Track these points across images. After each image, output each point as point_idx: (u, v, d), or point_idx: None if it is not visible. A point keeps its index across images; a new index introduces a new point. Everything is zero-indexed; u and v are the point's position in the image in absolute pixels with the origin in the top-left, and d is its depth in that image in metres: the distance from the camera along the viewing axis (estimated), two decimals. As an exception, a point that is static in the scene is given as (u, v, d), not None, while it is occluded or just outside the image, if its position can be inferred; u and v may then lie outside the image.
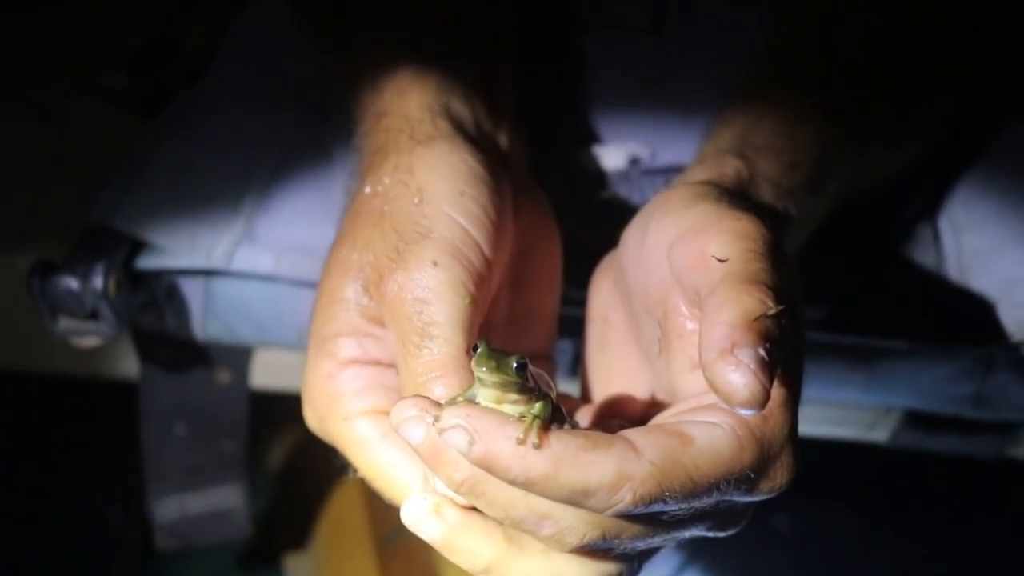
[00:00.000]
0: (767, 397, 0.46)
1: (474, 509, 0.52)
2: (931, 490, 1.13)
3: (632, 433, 0.48)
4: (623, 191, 0.86)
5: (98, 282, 0.78)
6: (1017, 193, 0.88)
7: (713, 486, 0.48)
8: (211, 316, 0.85)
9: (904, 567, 1.08)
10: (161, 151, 0.88)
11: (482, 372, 0.48)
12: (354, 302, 0.61)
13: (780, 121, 0.72)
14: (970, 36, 0.84)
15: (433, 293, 0.56)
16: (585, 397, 0.68)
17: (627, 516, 0.48)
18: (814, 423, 0.91)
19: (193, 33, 1.05)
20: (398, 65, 0.72)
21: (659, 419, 0.54)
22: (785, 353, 0.49)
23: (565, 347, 0.81)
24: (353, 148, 0.73)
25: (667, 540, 0.52)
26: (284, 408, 0.98)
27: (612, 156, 0.88)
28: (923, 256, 0.85)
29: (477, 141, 0.67)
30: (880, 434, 0.92)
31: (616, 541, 0.50)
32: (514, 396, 0.49)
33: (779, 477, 0.50)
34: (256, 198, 0.85)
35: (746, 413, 0.48)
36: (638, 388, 0.63)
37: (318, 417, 0.61)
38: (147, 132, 0.91)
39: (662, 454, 0.46)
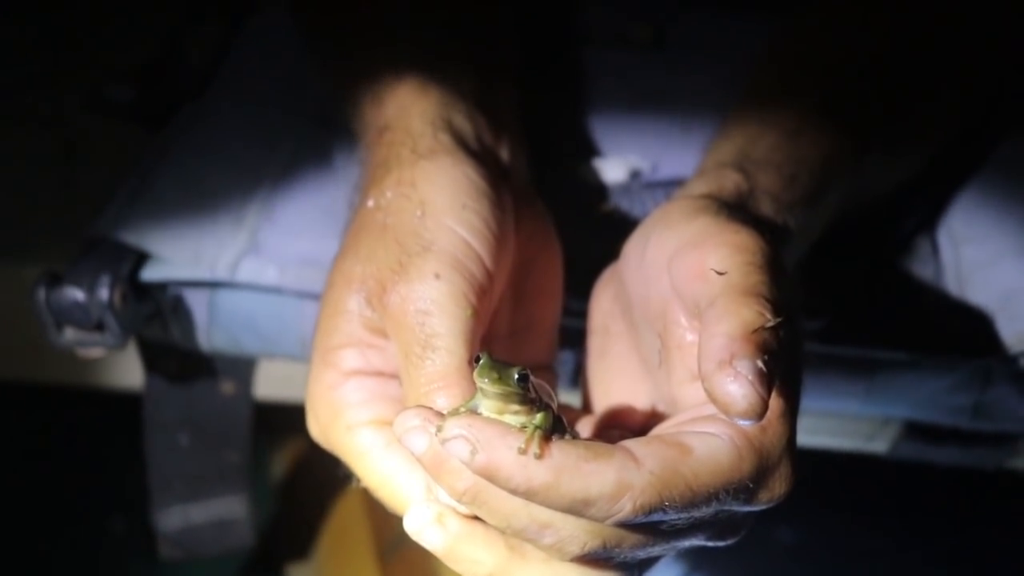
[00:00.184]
0: (765, 408, 0.47)
1: (476, 518, 0.52)
2: (930, 501, 1.13)
3: (632, 443, 0.48)
4: (624, 204, 0.87)
5: (103, 293, 0.78)
6: (1015, 206, 0.88)
7: (712, 496, 0.48)
8: (215, 327, 0.85)
9: (904, 578, 1.09)
10: (166, 163, 0.89)
11: (484, 383, 0.48)
12: (357, 314, 0.61)
13: (779, 135, 0.72)
14: (969, 50, 0.85)
15: (435, 305, 0.57)
16: (586, 408, 0.68)
17: (627, 525, 0.49)
18: (814, 434, 0.91)
19: (198, 47, 1.06)
20: (400, 79, 0.72)
21: (659, 430, 0.55)
22: (783, 365, 0.49)
23: (566, 358, 0.81)
24: (356, 161, 0.73)
25: (667, 549, 0.53)
26: (287, 419, 0.99)
27: (613, 169, 0.88)
28: (922, 268, 0.86)
29: (479, 154, 0.67)
30: (879, 445, 0.92)
31: (616, 550, 0.50)
32: (516, 407, 0.49)
33: (777, 487, 0.51)
34: (260, 210, 0.86)
35: (744, 424, 0.49)
36: (638, 399, 0.64)
37: (321, 427, 0.62)
38: (152, 144, 0.92)
39: (662, 464, 0.47)
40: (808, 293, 0.60)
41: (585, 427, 0.63)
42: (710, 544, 0.54)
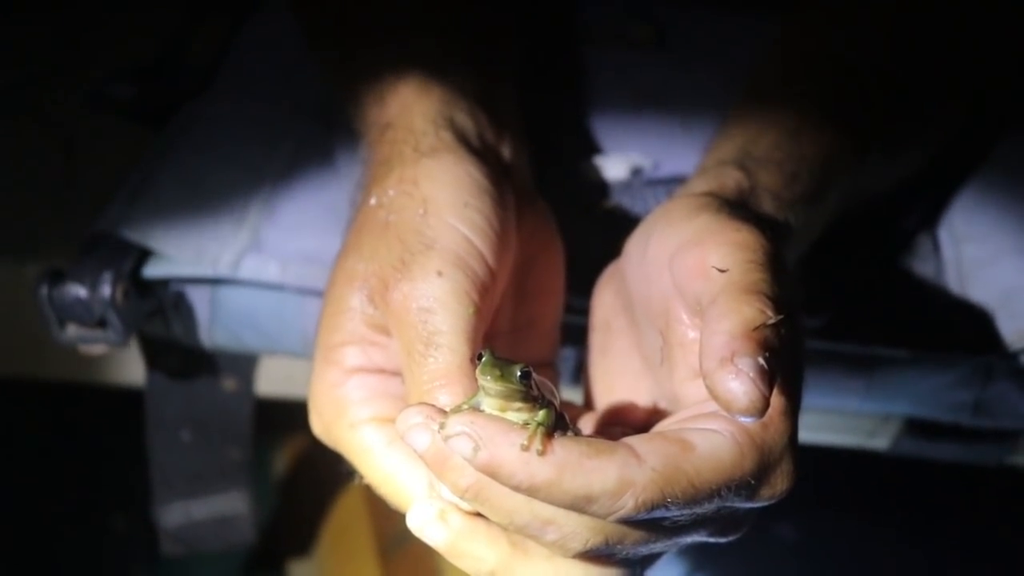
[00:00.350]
0: (766, 405, 0.47)
1: (479, 515, 0.52)
2: (931, 497, 1.13)
3: (634, 440, 0.49)
4: (625, 201, 0.87)
5: (106, 290, 0.79)
6: (1016, 204, 0.88)
7: (714, 492, 0.48)
8: (217, 324, 0.85)
9: (905, 574, 1.09)
10: (168, 161, 0.89)
11: (487, 380, 0.49)
12: (359, 311, 0.61)
13: (780, 133, 0.73)
14: (970, 48, 0.85)
15: (437, 303, 0.57)
16: (588, 405, 0.68)
17: (629, 522, 0.49)
18: (814, 431, 0.92)
19: (199, 45, 1.06)
20: (402, 78, 0.73)
21: (661, 427, 0.55)
22: (785, 362, 0.50)
23: (568, 355, 0.82)
24: (358, 159, 0.74)
25: (669, 546, 0.53)
26: (288, 416, 1.00)
27: (614, 167, 0.89)
28: (923, 266, 0.86)
29: (480, 153, 0.68)
30: (880, 442, 0.92)
31: (619, 546, 0.50)
32: (518, 404, 0.49)
33: (779, 484, 0.51)
34: (262, 207, 0.86)
35: (746, 421, 0.49)
36: (640, 396, 0.64)
37: (324, 424, 0.62)
38: (154, 142, 0.92)
39: (664, 461, 0.47)
40: (809, 290, 0.60)
41: (587, 424, 0.64)
42: (712, 540, 0.54)
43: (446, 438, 0.47)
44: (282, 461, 1.46)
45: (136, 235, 0.82)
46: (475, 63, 0.78)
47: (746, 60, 0.86)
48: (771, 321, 0.49)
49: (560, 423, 0.50)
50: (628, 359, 0.66)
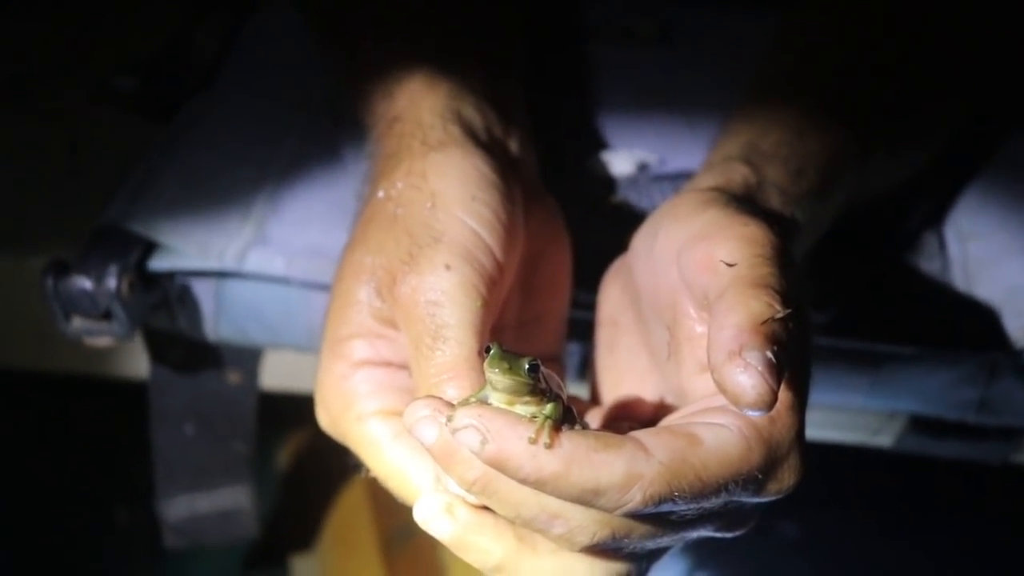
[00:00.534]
0: (774, 399, 0.47)
1: (485, 508, 0.52)
2: (935, 495, 1.13)
3: (642, 434, 0.48)
4: (632, 197, 0.87)
5: (111, 283, 0.79)
6: (1022, 202, 0.88)
7: (721, 486, 0.48)
8: (222, 317, 0.85)
9: (908, 572, 1.09)
10: (174, 154, 0.89)
11: (495, 373, 0.48)
12: (367, 304, 0.61)
13: (787, 129, 0.72)
14: (975, 46, 0.85)
15: (445, 296, 0.57)
16: (594, 400, 0.68)
17: (636, 516, 0.49)
18: (819, 427, 0.91)
19: (204, 39, 1.06)
20: (410, 72, 0.73)
21: (668, 421, 0.55)
22: (793, 356, 0.49)
23: (574, 350, 0.82)
24: (364, 152, 0.74)
25: (675, 540, 0.53)
26: (292, 409, 1.00)
27: (621, 162, 0.89)
28: (928, 263, 0.86)
29: (488, 146, 0.68)
30: (884, 439, 0.92)
31: (625, 541, 0.50)
32: (526, 397, 0.49)
33: (786, 478, 0.51)
34: (268, 200, 0.86)
35: (754, 415, 0.49)
36: (647, 391, 0.64)
37: (331, 418, 0.62)
38: (160, 136, 0.92)
39: (671, 454, 0.47)
40: (814, 286, 0.60)
41: (594, 419, 0.64)
42: (718, 535, 0.54)
43: (454, 431, 0.46)
44: (285, 455, 1.45)
45: (142, 228, 0.82)
46: (481, 59, 0.77)
47: (751, 56, 0.86)
48: (779, 315, 0.49)
49: (568, 417, 0.50)
50: (635, 354, 0.66)
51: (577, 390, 0.73)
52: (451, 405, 0.49)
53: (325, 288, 0.80)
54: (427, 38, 0.78)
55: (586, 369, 0.79)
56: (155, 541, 1.03)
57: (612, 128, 0.93)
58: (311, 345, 0.85)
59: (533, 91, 0.83)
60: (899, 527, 1.12)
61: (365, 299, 0.61)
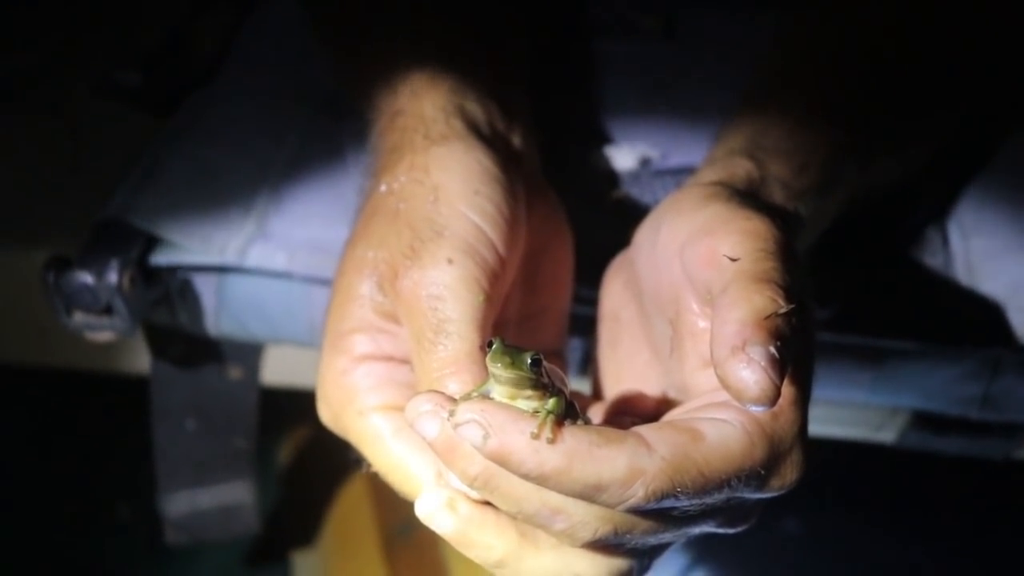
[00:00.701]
0: (778, 394, 0.47)
1: (487, 503, 0.52)
2: (938, 491, 1.13)
3: (644, 429, 0.48)
4: (634, 191, 0.87)
5: (113, 277, 0.79)
6: (1025, 197, 0.88)
7: (724, 482, 0.48)
8: (224, 312, 0.85)
9: (910, 568, 1.09)
10: (175, 149, 0.89)
11: (497, 368, 0.48)
12: (369, 299, 0.61)
13: (790, 123, 0.72)
14: (979, 41, 0.85)
15: (448, 290, 0.57)
16: (596, 395, 0.68)
17: (639, 511, 0.48)
18: (821, 423, 0.91)
19: (207, 33, 1.06)
20: (412, 66, 0.72)
21: (671, 416, 0.55)
22: (796, 352, 0.49)
23: (575, 345, 0.81)
24: (366, 147, 0.73)
25: (678, 536, 0.52)
26: (293, 405, 1.00)
27: (623, 157, 0.88)
28: (932, 258, 0.86)
29: (491, 141, 0.67)
30: (887, 435, 0.92)
31: (628, 536, 0.50)
32: (528, 392, 0.49)
33: (789, 474, 0.51)
34: (269, 195, 0.86)
35: (757, 410, 0.49)
36: (649, 386, 0.64)
37: (332, 412, 0.62)
38: (162, 130, 0.92)
39: (674, 450, 0.47)
40: (817, 282, 0.60)
41: (596, 414, 0.63)
42: (720, 531, 0.54)
43: (456, 426, 0.46)
44: (286, 451, 1.46)
45: (143, 222, 0.82)
46: (485, 52, 0.77)
47: (754, 51, 0.85)
48: (782, 310, 0.49)
49: (570, 411, 0.49)
50: (637, 349, 0.66)
51: (579, 385, 0.72)
52: (453, 400, 0.49)
53: (326, 283, 0.80)
54: (430, 33, 0.77)
55: (588, 364, 0.79)
56: (156, 537, 1.03)
57: (614, 123, 0.93)
58: (312, 340, 0.85)
59: (535, 85, 0.83)
60: (901, 523, 1.12)
61: (367, 293, 0.61)
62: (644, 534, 0.51)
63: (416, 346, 0.57)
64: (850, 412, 0.90)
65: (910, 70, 0.80)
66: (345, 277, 0.63)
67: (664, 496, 0.47)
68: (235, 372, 0.95)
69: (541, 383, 0.49)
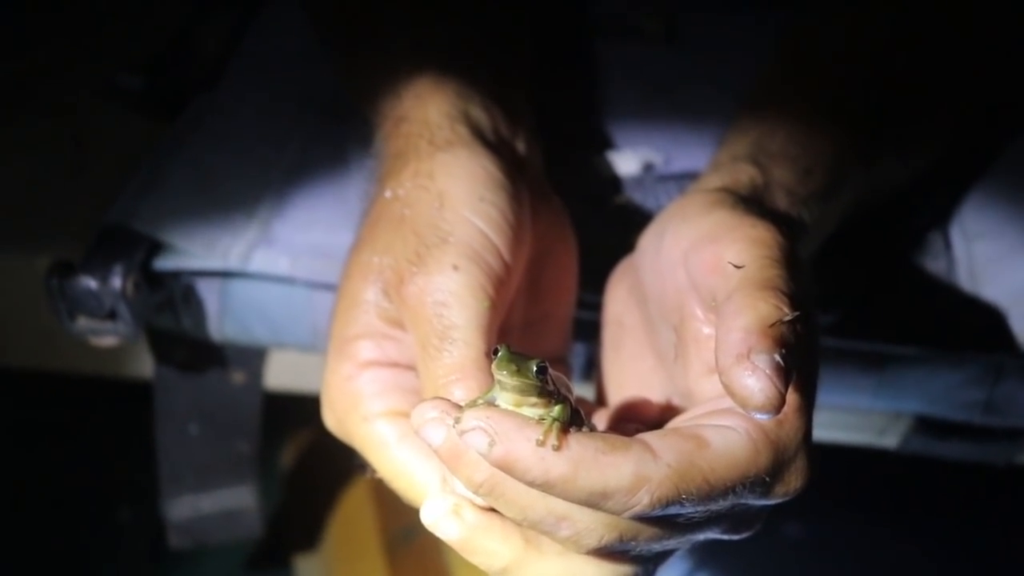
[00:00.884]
0: (782, 402, 0.47)
1: (493, 510, 0.52)
2: (941, 496, 1.13)
3: (649, 436, 0.48)
4: (637, 197, 0.87)
5: (116, 282, 0.79)
6: (1028, 202, 0.88)
7: (729, 489, 0.48)
8: (227, 317, 0.85)
9: (913, 573, 1.09)
10: (179, 153, 0.89)
11: (503, 375, 0.48)
12: (374, 305, 0.61)
13: (794, 129, 0.72)
14: (982, 47, 0.85)
15: (453, 296, 0.57)
16: (600, 401, 0.68)
17: (644, 518, 0.49)
18: (824, 428, 0.91)
19: (209, 37, 1.06)
20: (417, 71, 0.72)
21: (675, 423, 0.55)
22: (800, 359, 0.49)
23: (578, 351, 0.81)
24: (370, 152, 0.73)
25: (682, 542, 0.53)
26: (296, 409, 0.99)
27: (626, 162, 0.88)
28: (934, 264, 0.86)
29: (495, 147, 0.67)
30: (890, 440, 0.92)
31: (633, 543, 0.50)
32: (534, 399, 0.49)
33: (794, 481, 0.51)
34: (273, 200, 0.86)
35: (762, 418, 0.49)
36: (653, 392, 0.64)
37: (337, 418, 0.62)
38: (165, 134, 0.92)
39: (679, 457, 0.47)
40: (820, 287, 0.60)
41: (600, 420, 0.63)
42: (725, 537, 0.54)
43: (461, 433, 0.46)
44: (289, 455, 1.45)
45: (147, 228, 0.82)
46: (488, 58, 0.77)
47: (757, 55, 0.86)
48: (787, 318, 0.49)
49: (575, 418, 0.49)
50: (641, 355, 0.66)
51: (582, 389, 0.73)
52: (459, 407, 0.49)
53: (329, 288, 0.80)
54: (433, 38, 0.77)
55: (591, 370, 0.80)
56: (159, 541, 1.03)
57: (617, 127, 0.93)
58: (315, 345, 0.85)
59: (539, 90, 0.83)
60: (904, 528, 1.12)
61: (372, 299, 0.61)
62: (649, 541, 0.51)
63: (422, 352, 0.57)
64: (853, 417, 0.90)
65: (914, 74, 0.80)
66: (350, 282, 0.63)
67: (669, 503, 0.47)
68: (238, 376, 0.95)
69: (547, 390, 0.49)
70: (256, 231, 0.84)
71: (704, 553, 1.04)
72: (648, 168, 0.88)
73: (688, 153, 0.89)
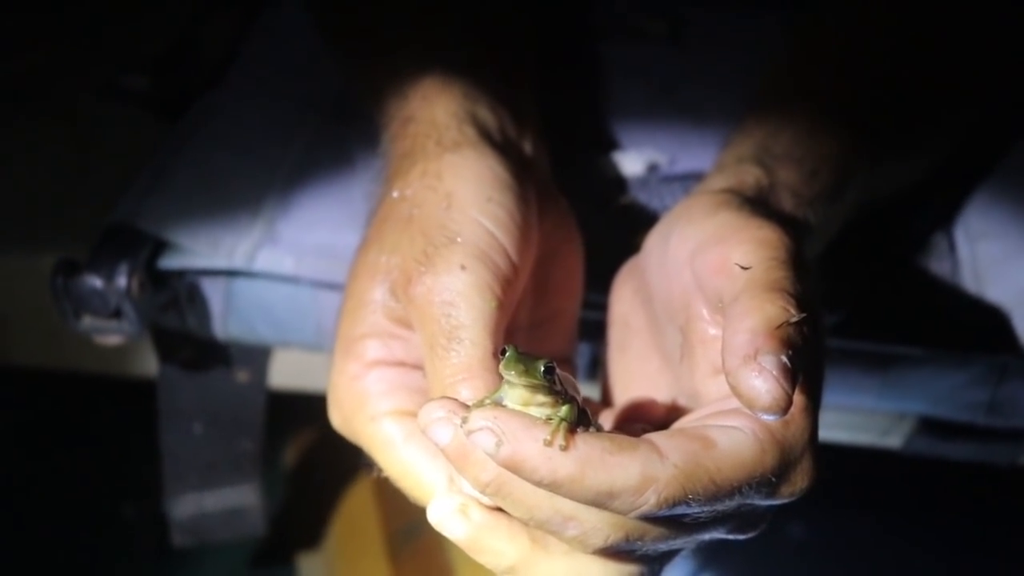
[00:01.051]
0: (789, 403, 0.47)
1: (499, 510, 0.52)
2: (944, 496, 1.13)
3: (656, 436, 0.48)
4: (642, 197, 0.87)
5: (121, 281, 0.79)
6: (1032, 203, 0.88)
7: (735, 489, 0.48)
8: (232, 316, 0.85)
9: (917, 573, 1.09)
10: (184, 153, 0.89)
11: (511, 376, 0.48)
12: (381, 304, 0.61)
13: (799, 130, 0.72)
14: (986, 49, 0.85)
15: (460, 296, 0.57)
16: (605, 401, 0.68)
17: (650, 518, 0.49)
18: (828, 428, 0.91)
19: (214, 37, 1.06)
20: (423, 72, 0.72)
21: (682, 423, 0.55)
22: (807, 360, 0.49)
23: (583, 350, 0.82)
24: (376, 152, 0.74)
25: (688, 542, 0.53)
26: (300, 408, 1.00)
27: (631, 163, 0.89)
28: (939, 265, 0.86)
29: (502, 147, 0.68)
30: (894, 440, 0.92)
31: (639, 543, 0.50)
32: (541, 399, 0.49)
33: (800, 481, 0.51)
34: (277, 199, 0.86)
35: (768, 419, 0.49)
36: (659, 392, 0.64)
37: (344, 417, 0.62)
38: (170, 134, 0.92)
39: (685, 457, 0.47)
40: (825, 287, 0.60)
41: (606, 421, 0.63)
42: (731, 537, 0.54)
43: (469, 433, 0.46)
44: (293, 454, 1.46)
45: (151, 227, 0.82)
46: (494, 59, 0.78)
47: (761, 55, 0.86)
48: (794, 319, 0.49)
49: (583, 419, 0.49)
50: (647, 355, 0.66)
51: (587, 389, 0.73)
52: (466, 406, 0.49)
53: (334, 287, 0.80)
54: (440, 39, 0.78)
55: (596, 369, 0.80)
56: (163, 539, 1.03)
57: (622, 128, 0.93)
58: (320, 344, 0.85)
59: (544, 91, 0.83)
60: (907, 528, 1.12)
61: (379, 299, 0.61)
62: (655, 540, 0.51)
63: (429, 352, 0.57)
64: (857, 417, 0.91)
65: (918, 75, 0.80)
66: (358, 282, 0.63)
67: (676, 503, 0.47)
68: (242, 375, 0.96)
69: (554, 390, 0.49)
70: (261, 230, 0.84)
71: (709, 553, 1.04)
72: (653, 169, 0.89)
73: (692, 154, 0.89)
